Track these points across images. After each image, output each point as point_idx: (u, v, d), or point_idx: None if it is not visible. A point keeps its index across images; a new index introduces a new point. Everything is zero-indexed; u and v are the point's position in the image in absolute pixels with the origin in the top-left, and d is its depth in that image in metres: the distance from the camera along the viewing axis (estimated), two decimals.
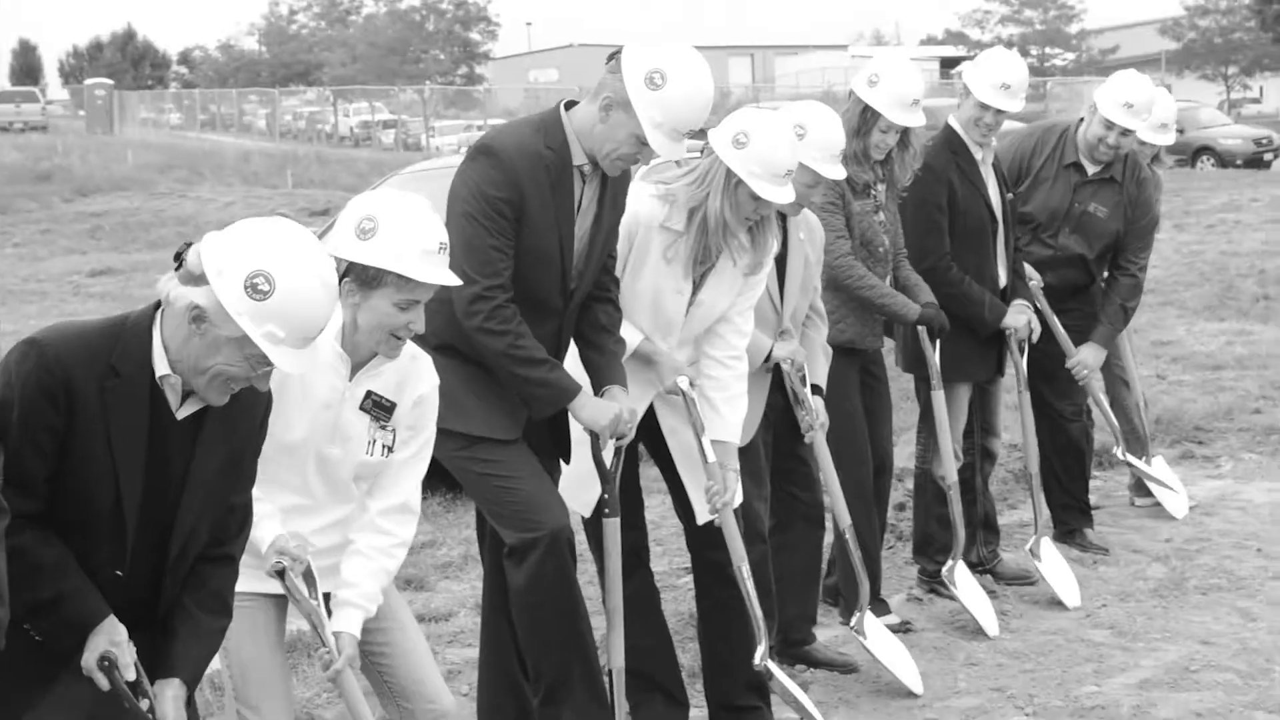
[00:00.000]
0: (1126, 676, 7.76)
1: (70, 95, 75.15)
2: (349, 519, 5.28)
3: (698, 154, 6.47)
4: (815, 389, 7.48)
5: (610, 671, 6.22)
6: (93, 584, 4.28)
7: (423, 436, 5.37)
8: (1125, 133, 9.10)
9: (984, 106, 8.50)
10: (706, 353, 6.75)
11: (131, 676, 4.26)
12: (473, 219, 5.79)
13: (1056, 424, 9.57)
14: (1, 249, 30.53)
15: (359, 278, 4.97)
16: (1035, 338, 8.82)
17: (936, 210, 8.41)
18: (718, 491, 6.53)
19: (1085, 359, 9.37)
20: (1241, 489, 11.04)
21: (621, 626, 6.26)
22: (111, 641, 4.25)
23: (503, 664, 6.38)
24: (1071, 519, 9.69)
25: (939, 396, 8.36)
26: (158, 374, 4.26)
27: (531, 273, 5.92)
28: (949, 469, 8.35)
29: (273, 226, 4.29)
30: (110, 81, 68.86)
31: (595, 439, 6.06)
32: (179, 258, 4.20)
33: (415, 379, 5.30)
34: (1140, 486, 10.50)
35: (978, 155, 8.68)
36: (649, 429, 6.83)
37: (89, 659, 4.23)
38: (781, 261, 7.29)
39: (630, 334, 6.48)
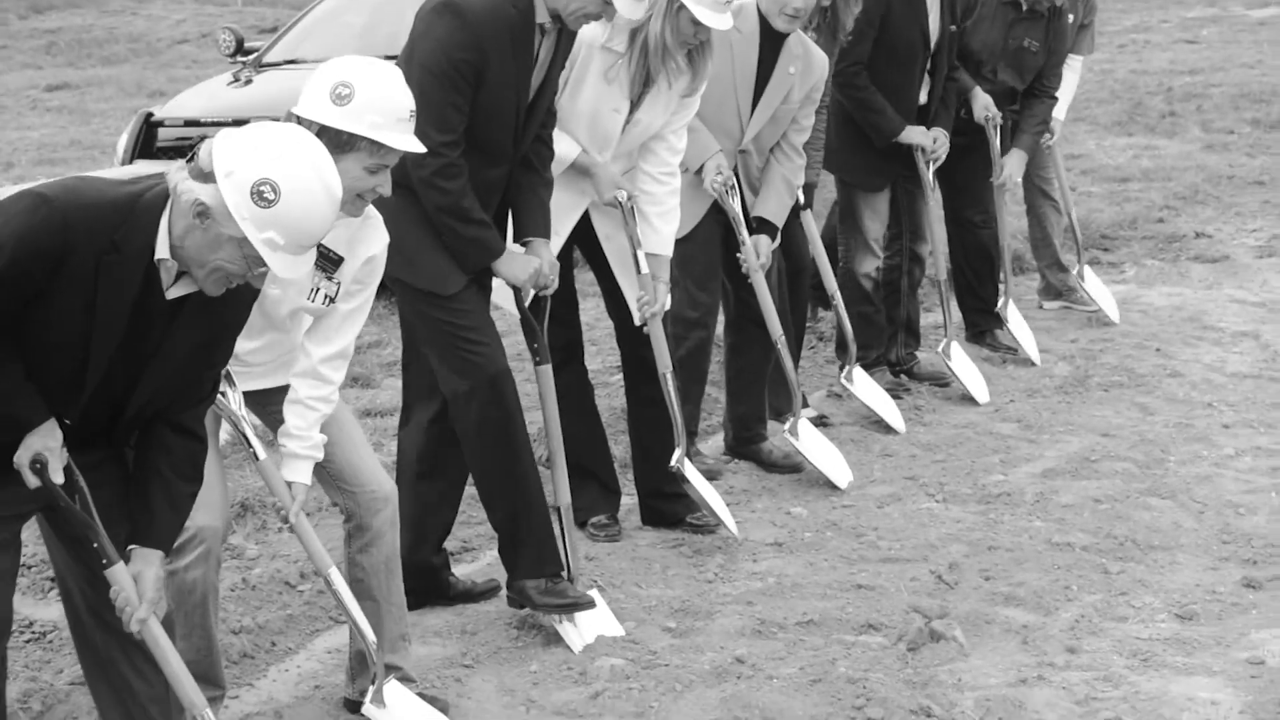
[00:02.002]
0: (1031, 466, 7.94)
1: None
2: (282, 340, 5.32)
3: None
4: (765, 225, 7.52)
5: (559, 509, 6.29)
6: (37, 393, 4.26)
7: (366, 292, 5.38)
8: None
9: None
10: (641, 168, 6.78)
11: (60, 480, 4.27)
12: (433, 76, 5.70)
13: (968, 231, 9.66)
14: None
15: (332, 141, 4.83)
16: (942, 158, 8.89)
17: (865, 23, 8.29)
18: (648, 302, 6.63)
19: (1012, 166, 9.53)
20: (1143, 293, 11.19)
21: (565, 466, 6.32)
22: (45, 446, 4.25)
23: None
24: (982, 321, 9.81)
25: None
26: (156, 256, 4.21)
27: (487, 125, 5.87)
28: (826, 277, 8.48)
29: (287, 135, 4.26)
30: None
31: (517, 292, 6.08)
32: (192, 154, 4.16)
33: (367, 239, 5.29)
34: (1049, 290, 10.60)
35: None
36: (584, 235, 6.88)
37: (21, 456, 4.24)
38: (763, 84, 7.33)
39: (568, 146, 6.48)
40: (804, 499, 7.51)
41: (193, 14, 35.46)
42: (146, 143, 12.05)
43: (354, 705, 5.57)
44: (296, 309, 5.23)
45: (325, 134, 4.84)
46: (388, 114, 4.95)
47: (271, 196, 4.07)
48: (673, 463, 6.84)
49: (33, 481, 4.25)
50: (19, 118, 22.65)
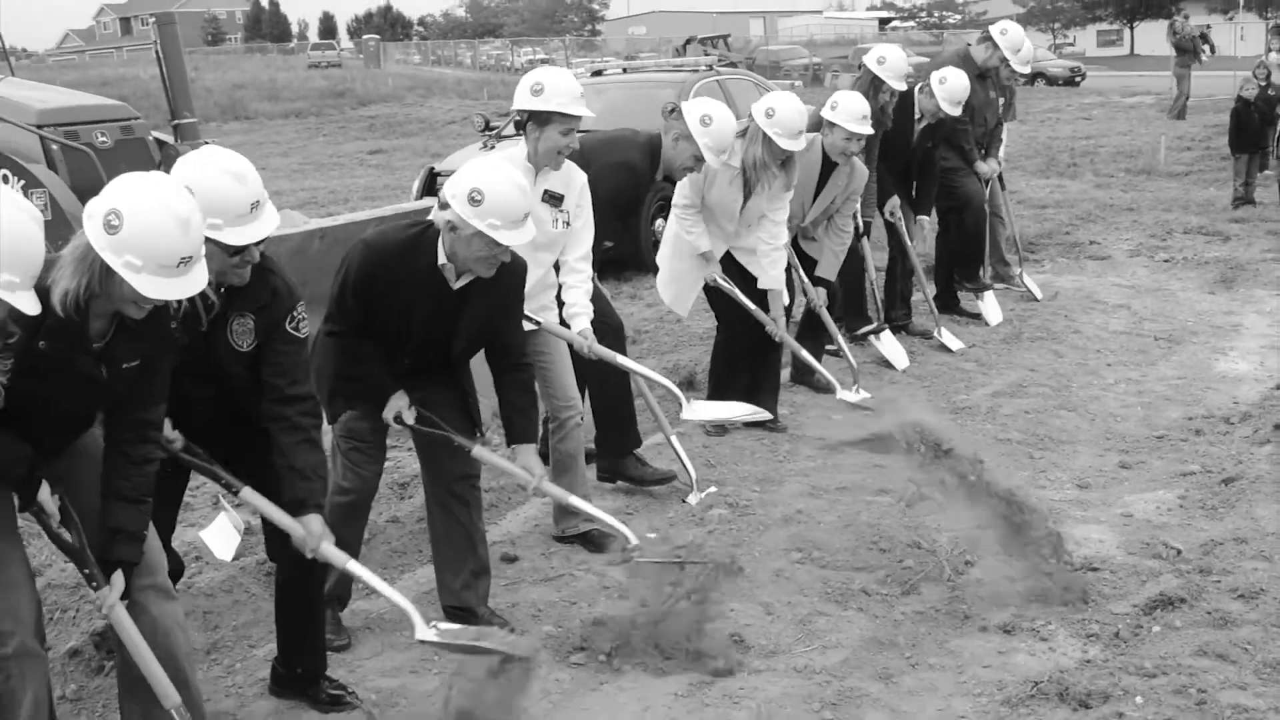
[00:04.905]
0: (984, 390, 7.81)
1: (354, 45, 74.25)
2: (545, 259, 5.35)
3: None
4: (822, 280, 7.47)
5: (670, 438, 6.21)
6: (387, 373, 4.40)
7: (586, 210, 5.42)
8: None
9: (940, 109, 8.42)
10: (758, 235, 6.78)
11: (412, 421, 4.41)
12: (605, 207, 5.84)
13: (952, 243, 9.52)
14: (315, 138, 30.56)
15: (536, 119, 5.09)
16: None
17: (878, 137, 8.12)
18: (773, 330, 6.77)
19: (992, 167, 9.52)
20: (1056, 280, 10.96)
21: (660, 411, 6.17)
22: (399, 407, 4.40)
23: None
24: (953, 300, 9.62)
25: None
26: (438, 263, 4.29)
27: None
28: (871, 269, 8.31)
29: (485, 161, 4.29)
30: (377, 36, 67.86)
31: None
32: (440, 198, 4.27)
33: (571, 176, 5.36)
34: (996, 277, 10.32)
35: (917, 117, 8.56)
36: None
37: (387, 414, 4.41)
38: (820, 189, 7.32)
39: (701, 242, 6.64)
40: (841, 410, 7.39)
41: (457, 105, 35.87)
42: (429, 186, 12.18)
43: (559, 539, 5.61)
44: (549, 234, 5.27)
45: (532, 115, 5.05)
46: (567, 95, 5.08)
47: (480, 198, 4.12)
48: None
49: (395, 429, 4.41)
50: (351, 171, 23.00)
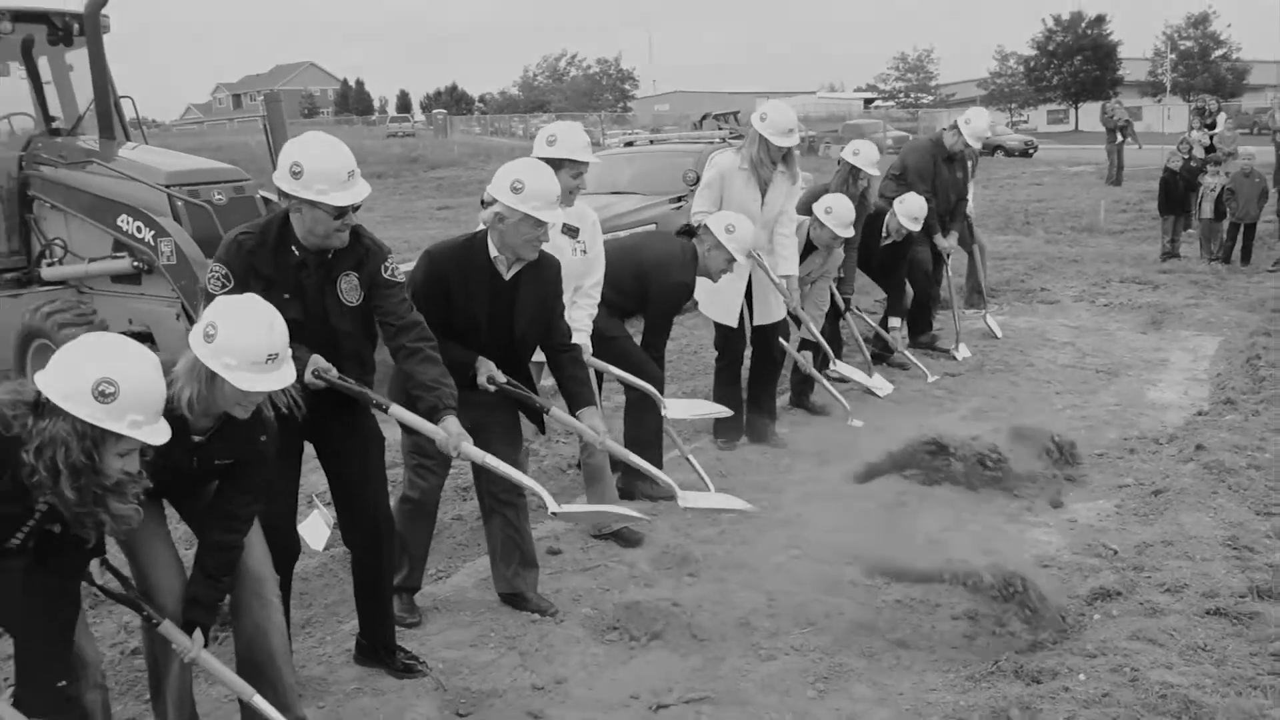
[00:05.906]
0: (953, 414, 7.77)
1: (425, 118, 74.63)
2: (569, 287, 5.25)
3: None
4: (809, 344, 7.51)
5: (689, 456, 6.18)
6: (468, 348, 4.35)
7: (598, 242, 5.40)
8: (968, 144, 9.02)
9: (903, 226, 8.36)
10: (775, 230, 6.82)
11: (503, 381, 4.36)
12: (674, 305, 5.94)
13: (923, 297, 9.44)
14: (393, 196, 30.66)
15: (553, 163, 4.93)
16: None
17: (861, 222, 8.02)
18: (790, 303, 6.93)
19: (952, 241, 9.34)
20: (1013, 321, 10.91)
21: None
22: (490, 372, 4.36)
23: None
24: (928, 340, 9.58)
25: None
26: (491, 256, 4.33)
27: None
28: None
29: (519, 161, 4.38)
30: (445, 111, 68.22)
31: None
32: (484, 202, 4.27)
33: (584, 212, 5.36)
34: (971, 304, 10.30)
35: (884, 236, 8.50)
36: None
37: (480, 379, 4.36)
38: (805, 257, 7.32)
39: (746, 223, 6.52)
40: (832, 428, 7.39)
41: None
42: None
43: (595, 536, 5.59)
44: (571, 261, 5.22)
45: (549, 162, 4.90)
46: (577, 144, 5.05)
47: (520, 186, 4.20)
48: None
49: (489, 389, 4.34)
50: (424, 224, 23.08)
